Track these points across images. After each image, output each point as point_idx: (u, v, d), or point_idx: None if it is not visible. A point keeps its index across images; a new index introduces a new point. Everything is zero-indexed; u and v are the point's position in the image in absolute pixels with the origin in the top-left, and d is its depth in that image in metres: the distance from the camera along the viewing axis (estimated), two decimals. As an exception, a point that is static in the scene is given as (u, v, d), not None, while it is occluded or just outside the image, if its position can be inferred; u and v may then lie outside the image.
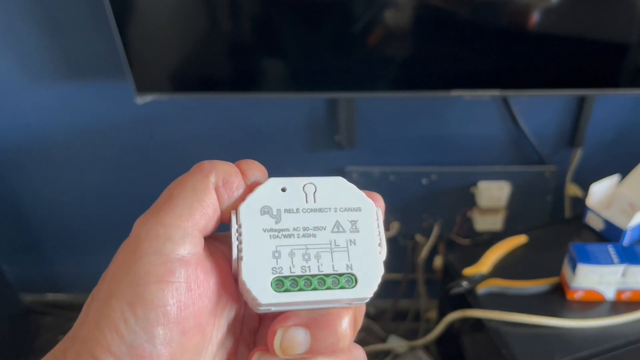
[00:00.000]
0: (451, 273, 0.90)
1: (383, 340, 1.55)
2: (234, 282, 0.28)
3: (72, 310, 1.66)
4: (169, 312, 0.24)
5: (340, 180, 0.29)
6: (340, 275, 0.27)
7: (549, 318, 0.79)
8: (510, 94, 1.17)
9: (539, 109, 1.23)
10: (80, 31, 1.15)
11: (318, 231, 0.28)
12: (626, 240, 0.90)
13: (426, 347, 1.09)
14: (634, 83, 1.02)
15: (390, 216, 1.40)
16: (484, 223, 1.36)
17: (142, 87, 1.08)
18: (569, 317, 0.81)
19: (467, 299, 0.86)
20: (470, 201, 1.35)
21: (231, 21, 1.02)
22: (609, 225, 0.91)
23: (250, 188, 0.28)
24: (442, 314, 0.95)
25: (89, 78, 1.24)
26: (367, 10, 0.96)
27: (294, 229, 0.27)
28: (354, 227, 0.28)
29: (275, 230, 0.27)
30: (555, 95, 1.20)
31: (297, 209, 0.28)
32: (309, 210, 0.28)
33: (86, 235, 1.54)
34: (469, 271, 0.88)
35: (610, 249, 0.81)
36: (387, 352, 1.43)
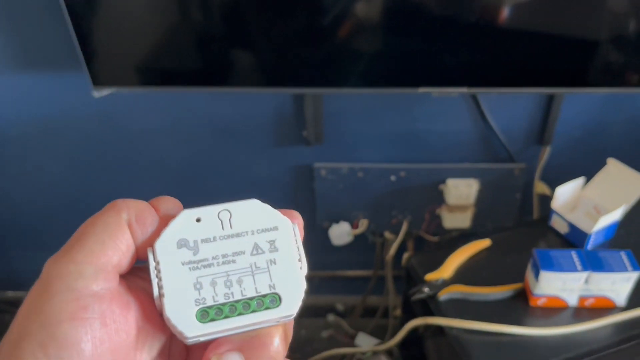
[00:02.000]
0: (413, 278, 0.88)
1: (352, 337, 1.53)
2: (158, 313, 0.28)
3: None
4: (84, 349, 0.24)
5: (254, 203, 0.29)
6: (264, 296, 0.27)
7: (511, 326, 0.78)
8: (479, 91, 1.15)
9: (508, 106, 1.21)
10: (36, 20, 1.10)
11: (237, 256, 0.28)
12: (590, 245, 0.89)
13: (389, 352, 1.07)
14: (602, 82, 1.01)
15: (359, 213, 1.38)
16: (453, 220, 1.34)
17: (99, 80, 1.04)
18: (532, 324, 0.79)
19: (428, 305, 0.84)
20: (439, 198, 1.33)
21: (194, 12, 0.98)
22: (573, 228, 0.90)
23: (164, 222, 0.28)
24: (405, 318, 0.93)
25: (46, 69, 1.19)
26: (336, 4, 0.93)
27: (213, 258, 0.28)
28: (272, 246, 0.28)
29: (194, 262, 0.27)
30: (523, 93, 1.18)
31: (214, 238, 0.28)
32: (226, 237, 0.28)
33: (46, 230, 1.49)
34: (431, 276, 0.85)
35: (574, 255, 0.79)
36: (351, 356, 1.41)
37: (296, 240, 0.29)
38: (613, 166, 0.93)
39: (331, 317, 1.59)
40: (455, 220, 1.34)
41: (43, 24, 1.10)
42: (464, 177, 1.30)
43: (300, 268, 0.28)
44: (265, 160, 1.33)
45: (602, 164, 1.26)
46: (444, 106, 1.22)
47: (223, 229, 0.28)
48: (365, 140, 1.28)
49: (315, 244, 1.49)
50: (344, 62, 1.02)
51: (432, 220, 1.37)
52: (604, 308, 0.81)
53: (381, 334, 1.55)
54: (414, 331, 0.90)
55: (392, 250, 1.42)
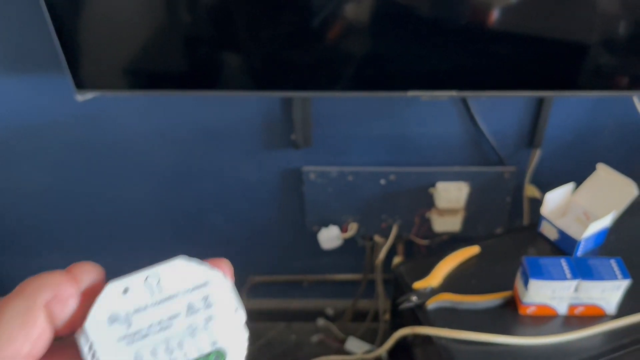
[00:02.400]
0: (402, 285, 0.87)
1: (342, 342, 1.52)
2: None
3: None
4: None
5: (180, 262, 0.29)
6: (208, 354, 0.27)
7: (500, 336, 0.76)
8: (468, 95, 1.14)
9: (498, 109, 1.20)
10: (17, 23, 1.08)
11: (173, 320, 0.27)
12: (580, 251, 0.88)
13: (379, 359, 1.06)
14: (592, 85, 1.00)
15: (348, 217, 1.37)
16: (443, 224, 1.33)
17: (82, 83, 1.02)
18: (521, 333, 0.78)
19: (417, 314, 0.82)
20: (429, 202, 1.32)
21: (180, 15, 0.96)
22: (563, 235, 0.89)
23: (87, 296, 0.27)
24: (394, 325, 0.92)
25: (28, 72, 1.16)
26: (324, 8, 0.92)
27: (149, 327, 0.27)
28: (206, 302, 0.28)
29: (130, 335, 0.26)
30: (513, 97, 1.17)
31: (146, 306, 0.27)
32: (157, 303, 0.27)
33: (30, 236, 1.47)
34: (419, 284, 0.84)
35: (563, 262, 0.78)
36: None
37: (229, 290, 0.29)
38: (603, 171, 0.92)
39: (321, 322, 1.58)
40: (446, 224, 1.33)
41: (24, 26, 1.08)
42: (454, 181, 1.29)
43: (239, 318, 0.28)
44: (254, 163, 1.32)
45: (592, 167, 1.25)
46: (434, 109, 1.21)
47: (153, 295, 0.27)
48: (354, 144, 1.27)
49: (305, 248, 1.47)
50: (332, 65, 1.00)
51: (422, 224, 1.36)
52: (594, 316, 0.80)
53: (372, 338, 1.54)
54: (403, 339, 0.89)
55: (382, 254, 1.40)
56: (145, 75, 1.04)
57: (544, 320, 0.80)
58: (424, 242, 1.38)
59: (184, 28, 0.98)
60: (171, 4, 0.94)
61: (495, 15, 0.92)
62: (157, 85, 1.05)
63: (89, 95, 1.04)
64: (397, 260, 1.44)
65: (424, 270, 0.87)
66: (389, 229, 1.38)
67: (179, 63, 1.03)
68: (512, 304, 0.82)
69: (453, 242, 1.43)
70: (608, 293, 0.78)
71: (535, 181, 1.29)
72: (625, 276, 0.77)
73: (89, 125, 1.25)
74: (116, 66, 1.02)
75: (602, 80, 0.99)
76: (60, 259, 1.52)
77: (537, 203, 1.31)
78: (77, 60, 0.99)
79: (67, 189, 1.37)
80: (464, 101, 1.18)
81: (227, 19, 0.95)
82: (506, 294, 0.82)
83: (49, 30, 0.98)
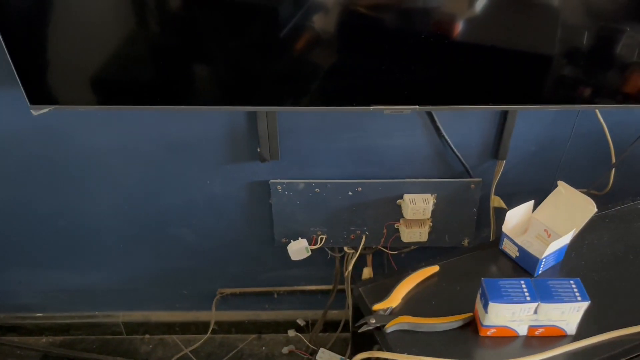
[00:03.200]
0: (361, 308, 0.86)
1: (312, 353, 1.51)
2: None
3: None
4: None
5: None
6: None
7: (461, 359, 0.76)
8: (430, 109, 1.14)
9: (463, 122, 1.20)
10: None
11: None
12: (540, 269, 0.88)
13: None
14: (554, 99, 1.00)
15: (317, 228, 1.35)
16: (410, 235, 1.33)
17: (37, 98, 0.99)
18: (482, 355, 0.78)
19: (376, 337, 0.81)
20: (396, 213, 1.32)
21: (143, 28, 0.93)
22: (524, 252, 0.89)
23: None
24: (354, 347, 0.91)
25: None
26: (288, 21, 0.90)
27: None
28: None
29: None
30: (474, 110, 1.17)
31: None
32: None
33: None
34: (378, 306, 0.83)
35: (523, 284, 0.78)
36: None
37: None
38: (563, 189, 0.92)
39: (292, 333, 1.57)
40: (413, 234, 1.33)
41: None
42: (420, 192, 1.29)
43: None
44: (221, 176, 1.30)
45: (555, 177, 1.26)
46: (400, 122, 1.20)
47: None
48: (321, 156, 1.26)
49: (274, 260, 1.46)
50: (296, 80, 0.99)
51: (390, 235, 1.35)
52: (554, 337, 0.80)
53: (342, 348, 1.54)
54: None
55: (351, 264, 1.40)
56: (105, 91, 1.02)
57: (505, 341, 0.80)
58: (392, 252, 1.38)
59: (146, 42, 0.95)
60: (133, 18, 0.92)
61: (457, 29, 0.92)
62: (116, 101, 1.03)
63: (44, 109, 1.01)
64: (366, 270, 1.43)
65: (384, 292, 0.86)
66: (358, 240, 1.38)
67: (140, 78, 1.00)
68: (472, 325, 0.82)
69: (420, 252, 1.43)
70: (568, 315, 0.77)
71: (500, 192, 1.29)
72: (584, 298, 0.77)
73: (49, 139, 1.23)
74: (73, 81, 1.00)
75: (564, 94, 0.99)
76: (26, 273, 1.49)
77: (502, 213, 1.31)
78: (31, 74, 0.96)
79: (28, 203, 1.34)
80: (429, 114, 1.18)
81: (191, 34, 0.93)
82: (466, 315, 0.82)
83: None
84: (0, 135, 1.21)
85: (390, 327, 0.81)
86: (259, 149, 1.23)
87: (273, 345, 1.58)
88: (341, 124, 1.21)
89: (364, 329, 0.81)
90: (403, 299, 0.86)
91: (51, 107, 1.01)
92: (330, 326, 1.58)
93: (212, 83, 1.01)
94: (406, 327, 0.81)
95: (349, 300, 1.47)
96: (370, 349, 0.83)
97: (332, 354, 1.49)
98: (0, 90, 1.14)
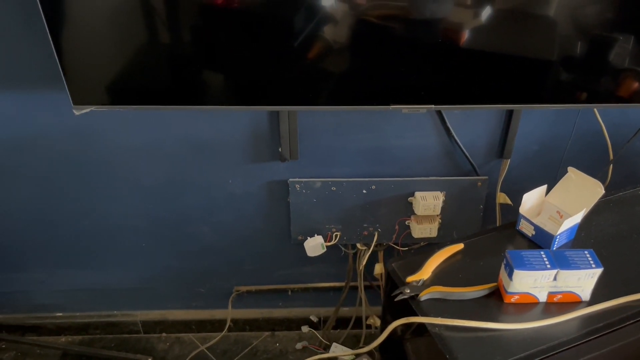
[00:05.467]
0: (394, 281, 0.93)
1: (325, 348, 1.57)
2: None
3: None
4: None
5: None
6: None
7: (488, 322, 0.84)
8: (444, 108, 1.22)
9: (471, 123, 1.30)
10: (16, 39, 1.12)
11: None
12: (555, 246, 0.96)
13: (370, 354, 1.12)
14: (556, 99, 1.10)
15: (332, 225, 1.43)
16: (421, 231, 1.41)
17: (79, 98, 1.06)
18: (507, 319, 0.86)
19: (410, 306, 0.89)
20: (408, 210, 1.40)
21: (171, 33, 1.02)
22: (539, 231, 0.97)
23: None
24: (385, 321, 0.98)
25: (21, 89, 1.20)
26: (307, 26, 0.99)
27: None
28: None
29: None
30: (484, 109, 1.26)
31: None
32: None
33: (14, 249, 1.48)
34: (411, 279, 0.91)
35: (543, 254, 0.86)
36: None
37: None
38: (573, 174, 1.01)
39: (305, 329, 1.63)
40: (423, 230, 1.41)
41: (21, 42, 1.12)
42: (430, 190, 1.37)
43: None
44: (242, 176, 1.37)
45: (555, 174, 1.35)
46: (411, 123, 1.29)
47: None
48: (338, 156, 1.34)
49: (290, 257, 1.53)
50: (316, 81, 1.07)
51: (402, 231, 1.43)
52: (571, 303, 0.88)
53: (354, 344, 1.60)
54: (393, 334, 0.95)
55: (364, 260, 1.47)
56: (137, 91, 1.09)
57: (526, 307, 0.88)
58: (403, 248, 1.46)
59: (173, 47, 1.04)
60: (161, 26, 1.00)
61: (465, 36, 1.01)
62: (148, 101, 1.09)
63: (85, 109, 1.08)
64: (378, 266, 1.51)
65: (414, 267, 0.94)
66: (371, 236, 1.45)
67: (168, 80, 1.08)
68: (496, 294, 0.90)
69: (430, 248, 1.50)
70: (583, 281, 0.86)
71: (505, 189, 1.39)
72: (597, 265, 0.85)
73: (77, 140, 1.28)
74: (111, 82, 1.07)
75: (565, 94, 1.09)
76: (46, 273, 1.54)
77: (507, 209, 1.41)
78: (75, 77, 1.03)
79: (52, 203, 1.40)
80: (439, 115, 1.27)
81: (214, 40, 1.01)
82: (491, 285, 0.90)
83: (42, 49, 1.02)
84: (31, 137, 1.27)
85: (423, 296, 0.88)
86: (280, 149, 1.31)
87: (287, 342, 1.64)
88: (357, 126, 1.30)
89: (400, 297, 0.89)
90: (433, 272, 0.94)
91: (92, 107, 1.08)
92: (342, 323, 1.64)
93: (234, 86, 1.08)
94: (437, 296, 0.89)
95: (362, 295, 1.54)
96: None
97: (345, 348, 1.55)
98: (33, 93, 1.20)
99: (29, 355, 1.58)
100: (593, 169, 1.33)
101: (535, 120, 1.30)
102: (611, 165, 1.30)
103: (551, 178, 1.37)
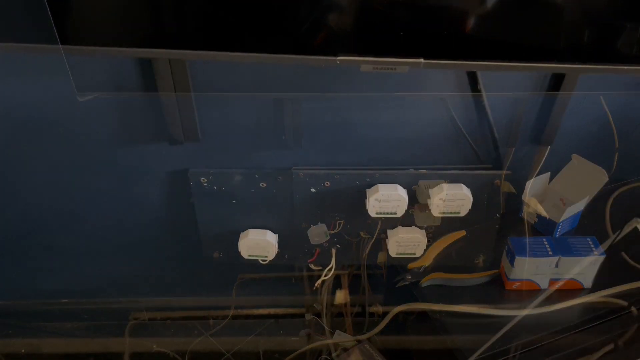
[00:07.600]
0: (396, 267, 0.94)
1: (329, 336, 1.57)
2: None
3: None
4: None
5: None
6: None
7: (490, 308, 0.84)
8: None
9: (477, 111, 1.29)
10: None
11: None
12: (558, 233, 0.96)
13: (372, 340, 1.12)
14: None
15: (336, 215, 1.43)
16: (425, 219, 1.40)
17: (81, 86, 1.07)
18: (508, 307, 0.86)
19: (412, 292, 0.89)
20: (411, 199, 1.40)
21: (173, 20, 1.01)
22: (542, 218, 0.97)
23: None
24: (387, 309, 0.99)
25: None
26: (311, 12, 0.98)
27: None
28: None
29: None
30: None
31: None
32: None
33: (21, 236, 1.49)
34: (413, 265, 0.91)
35: (545, 242, 0.86)
36: (334, 347, 1.46)
37: None
38: (577, 161, 1.01)
39: (308, 317, 1.63)
40: (427, 219, 1.41)
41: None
42: (434, 179, 1.37)
43: None
44: (246, 163, 1.37)
45: (559, 164, 1.35)
46: (415, 111, 1.28)
47: None
48: (341, 144, 1.34)
49: (294, 245, 1.53)
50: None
51: (405, 220, 1.43)
52: (572, 290, 0.88)
53: (357, 331, 1.60)
54: (394, 320, 0.96)
55: (368, 248, 1.47)
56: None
57: (528, 294, 0.88)
58: (407, 237, 1.46)
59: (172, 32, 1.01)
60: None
61: (473, 21, 0.96)
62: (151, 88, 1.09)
63: (87, 96, 1.08)
64: (381, 255, 1.51)
65: (417, 253, 0.95)
66: (374, 225, 1.45)
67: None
68: (498, 281, 0.90)
69: (435, 236, 1.51)
70: (585, 268, 0.86)
71: (509, 177, 1.38)
72: (600, 252, 0.85)
73: (93, 123, 1.28)
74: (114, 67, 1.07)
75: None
76: (52, 262, 1.54)
77: (512, 197, 1.40)
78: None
79: (65, 190, 1.40)
80: (444, 102, 1.27)
81: (217, 25, 0.95)
82: (492, 272, 0.90)
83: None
84: (43, 120, 1.28)
85: (425, 282, 0.89)
86: (284, 137, 1.31)
87: (290, 329, 1.65)
88: (360, 113, 1.29)
89: (402, 283, 0.90)
90: (434, 259, 0.94)
91: (94, 94, 1.08)
92: (345, 310, 1.64)
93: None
94: (439, 282, 0.89)
95: (365, 283, 1.54)
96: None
97: (347, 335, 1.56)
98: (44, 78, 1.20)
99: (36, 341, 1.59)
100: (598, 160, 1.33)
101: (540, 109, 1.29)
102: (617, 153, 1.29)
103: (553, 168, 1.36)
